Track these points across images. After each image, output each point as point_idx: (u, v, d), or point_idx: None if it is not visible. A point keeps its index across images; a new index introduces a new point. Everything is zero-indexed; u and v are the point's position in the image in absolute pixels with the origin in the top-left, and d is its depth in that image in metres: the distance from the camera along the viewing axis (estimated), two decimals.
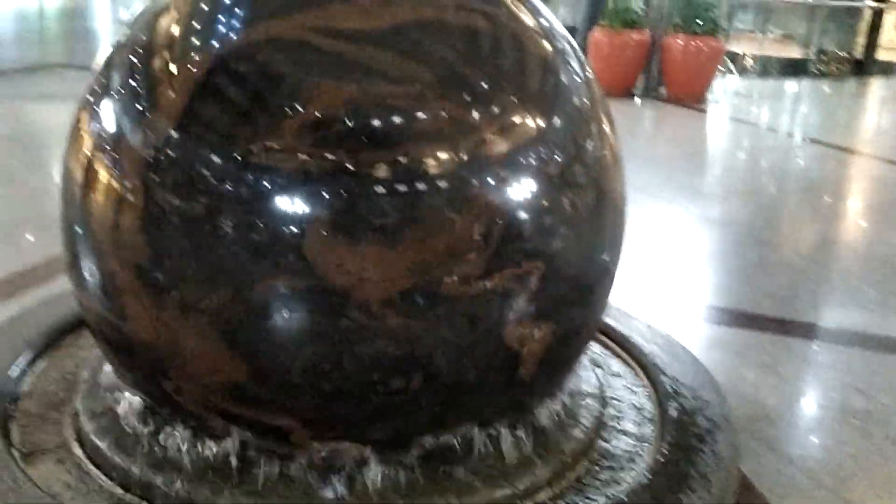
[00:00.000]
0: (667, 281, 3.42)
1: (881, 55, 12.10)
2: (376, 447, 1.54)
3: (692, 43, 7.91)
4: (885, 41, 12.26)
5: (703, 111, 7.95)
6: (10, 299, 2.84)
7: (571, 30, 11.82)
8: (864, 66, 11.67)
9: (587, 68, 1.68)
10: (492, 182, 1.43)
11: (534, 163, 1.48)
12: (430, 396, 1.50)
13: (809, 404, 2.52)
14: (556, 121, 1.55)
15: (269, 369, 1.43)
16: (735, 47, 10.93)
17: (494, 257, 1.43)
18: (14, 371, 1.97)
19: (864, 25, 11.88)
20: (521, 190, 1.46)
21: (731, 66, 10.39)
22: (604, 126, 1.65)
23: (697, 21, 7.86)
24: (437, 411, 1.53)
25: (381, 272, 1.38)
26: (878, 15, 11.89)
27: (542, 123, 1.51)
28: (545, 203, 1.49)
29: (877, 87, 11.09)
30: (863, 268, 3.81)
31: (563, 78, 1.60)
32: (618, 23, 7.99)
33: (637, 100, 8.20)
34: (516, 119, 1.49)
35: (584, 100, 1.62)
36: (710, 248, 3.98)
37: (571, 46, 1.67)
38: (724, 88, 9.41)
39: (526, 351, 1.54)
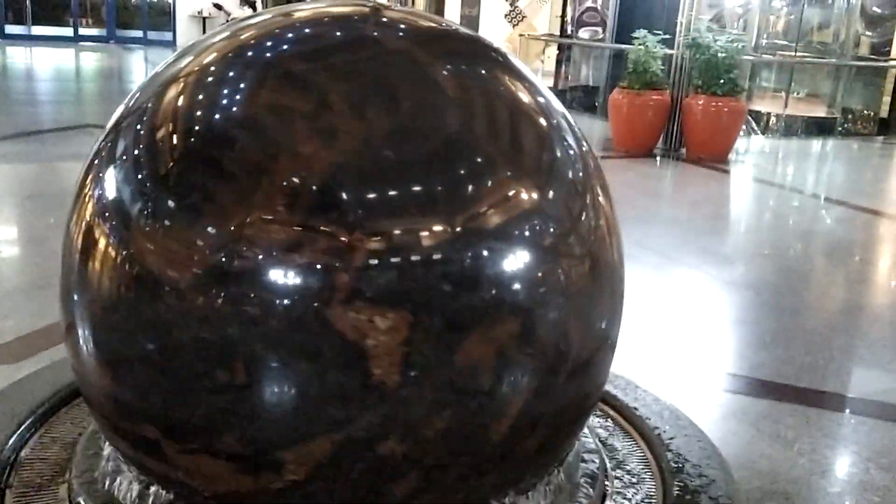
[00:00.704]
0: (685, 347, 3.37)
1: None
2: None
3: (713, 104, 7.93)
4: None
5: (726, 172, 7.93)
6: (23, 360, 2.86)
7: (593, 90, 11.99)
8: (890, 126, 11.61)
9: (583, 142, 1.69)
10: (486, 254, 1.43)
11: (528, 235, 1.49)
12: (428, 469, 1.47)
13: (827, 480, 2.44)
14: (551, 193, 1.56)
15: (261, 442, 1.41)
16: (759, 107, 10.96)
17: (489, 329, 1.43)
18: (13, 439, 1.96)
19: (889, 85, 11.84)
20: (516, 262, 1.46)
21: (755, 126, 10.39)
22: (599, 198, 1.65)
23: (718, 82, 7.89)
24: (433, 483, 1.50)
25: (376, 344, 1.36)
26: None
27: (536, 196, 1.52)
28: (540, 274, 1.49)
29: None
30: (887, 335, 3.73)
31: (559, 152, 1.62)
32: (638, 84, 8.04)
33: (658, 160, 8.20)
34: (511, 192, 1.50)
35: (579, 173, 1.63)
36: (730, 313, 3.92)
37: (567, 121, 1.69)
38: (748, 148, 9.40)
39: (524, 424, 1.52)
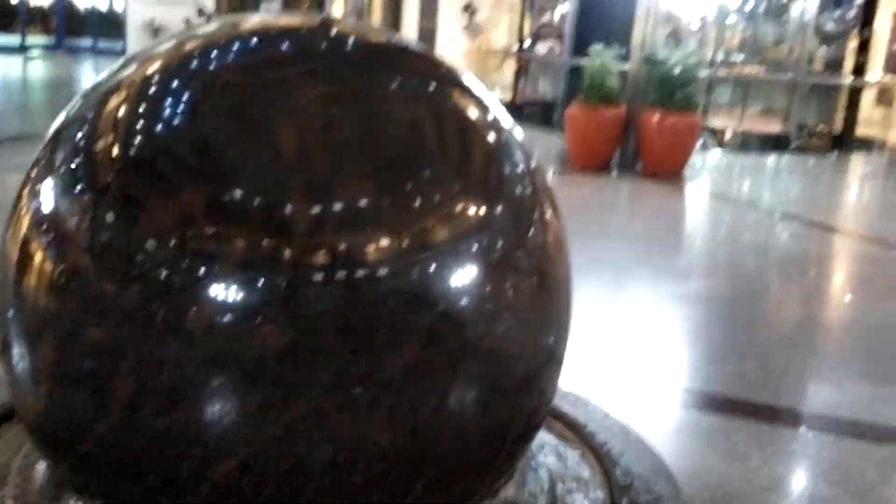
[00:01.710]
0: (638, 362, 3.38)
1: (859, 131, 12.32)
2: None
3: (668, 119, 8.02)
4: (863, 117, 12.51)
5: (682, 187, 8.03)
6: None
7: (551, 105, 12.09)
8: (843, 142, 11.88)
9: (532, 158, 1.69)
10: (433, 269, 1.43)
11: (476, 250, 1.49)
12: (371, 488, 1.45)
13: (779, 495, 2.45)
14: (499, 209, 1.56)
15: (202, 461, 1.38)
16: (715, 122, 11.13)
17: (435, 344, 1.42)
18: None
19: (842, 101, 12.13)
20: (464, 277, 1.46)
21: (711, 141, 10.56)
22: (547, 214, 1.65)
23: (674, 97, 7.99)
24: (378, 499, 1.48)
25: (321, 359, 1.35)
26: (856, 91, 12.16)
27: (484, 211, 1.52)
28: (488, 289, 1.49)
29: (856, 162, 11.26)
30: (839, 350, 3.78)
31: (507, 168, 1.62)
32: (594, 99, 8.11)
33: (614, 175, 8.28)
34: (459, 207, 1.50)
35: (528, 189, 1.63)
36: (684, 328, 3.95)
37: (516, 137, 1.69)
38: (704, 163, 9.54)
39: (471, 439, 1.51)
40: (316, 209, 1.37)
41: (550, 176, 7.97)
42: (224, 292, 1.31)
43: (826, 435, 2.86)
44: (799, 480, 2.54)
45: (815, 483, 2.50)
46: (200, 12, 18.17)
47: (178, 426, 1.37)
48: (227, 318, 1.32)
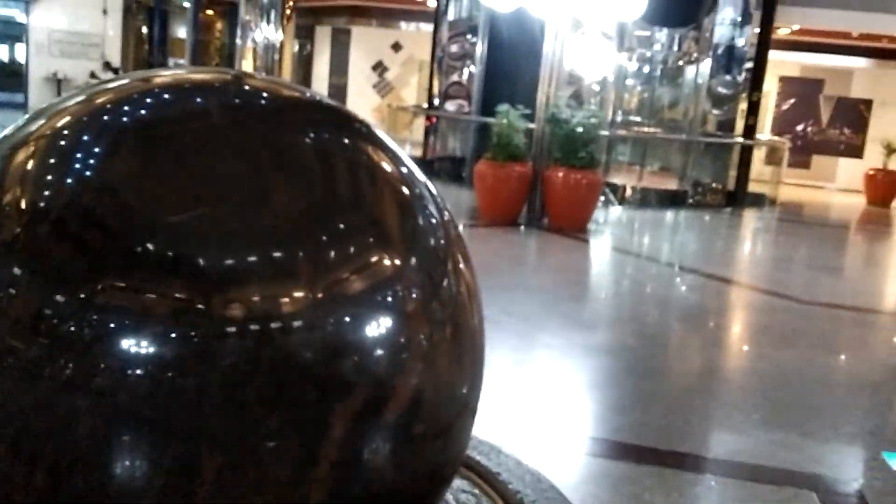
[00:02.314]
0: (549, 412, 3.43)
1: (751, 187, 12.97)
2: None
3: (572, 176, 8.29)
4: (754, 174, 13.18)
5: (586, 241, 8.26)
6: None
7: (460, 161, 12.30)
8: (736, 198, 12.46)
9: (445, 211, 1.73)
10: (347, 321, 1.43)
11: (390, 301, 1.50)
12: None
13: None
14: (413, 260, 1.58)
15: None
16: (616, 179, 11.54)
17: (349, 396, 1.43)
18: None
19: (735, 160, 12.76)
20: (378, 328, 1.47)
21: (612, 198, 10.92)
22: (460, 265, 1.68)
23: (577, 155, 8.27)
24: None
25: (232, 413, 1.32)
26: (747, 150, 12.82)
27: (398, 263, 1.54)
28: (402, 340, 1.50)
29: (748, 217, 11.82)
30: (738, 397, 3.93)
31: (420, 220, 1.65)
32: (502, 156, 8.32)
33: (522, 229, 8.46)
34: (373, 259, 1.51)
35: (441, 240, 1.66)
36: (591, 378, 4.04)
37: (429, 190, 1.73)
38: (606, 219, 9.85)
39: (385, 491, 1.51)
40: (229, 261, 1.36)
41: (461, 229, 8.08)
42: (134, 347, 1.28)
43: (727, 479, 2.96)
44: None
45: None
46: (107, 65, 17.85)
47: (89, 485, 1.33)
48: (138, 372, 1.28)
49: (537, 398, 3.60)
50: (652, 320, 5.45)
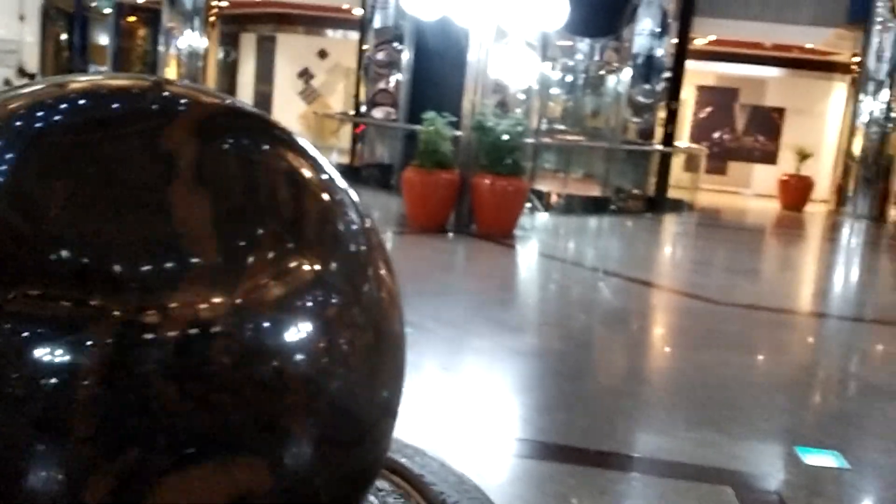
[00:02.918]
0: (475, 414, 3.47)
1: (670, 193, 13.33)
2: None
3: (498, 183, 8.39)
4: (673, 181, 13.55)
5: (513, 246, 8.37)
6: None
7: (388, 168, 12.31)
8: (656, 204, 12.79)
9: (366, 218, 1.75)
10: (268, 326, 1.44)
11: (310, 306, 1.51)
12: None
13: None
14: (334, 266, 1.59)
15: None
16: (541, 186, 11.71)
17: (271, 401, 1.43)
18: None
19: (654, 167, 13.10)
20: (298, 333, 1.48)
21: (538, 204, 11.08)
22: (381, 271, 1.71)
23: (502, 162, 8.37)
24: None
25: (152, 421, 1.32)
26: (666, 157, 13.18)
27: (319, 268, 1.55)
28: (323, 345, 1.52)
29: (668, 222, 12.14)
30: (659, 397, 4.04)
31: (341, 226, 1.67)
32: (429, 163, 8.37)
33: (450, 236, 8.52)
34: (293, 264, 1.52)
35: (362, 246, 1.68)
36: (517, 381, 4.10)
37: (351, 198, 1.74)
38: (533, 225, 9.99)
39: (307, 494, 1.52)
40: (146, 268, 1.36)
41: (390, 236, 8.10)
42: (48, 355, 1.27)
43: (648, 476, 3.04)
44: None
45: None
46: (21, 72, 17.25)
47: (2, 493, 1.30)
48: (52, 381, 1.27)
49: (464, 401, 3.63)
50: (577, 323, 5.56)
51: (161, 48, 13.31)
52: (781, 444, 3.44)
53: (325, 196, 1.67)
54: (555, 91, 12.95)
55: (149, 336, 1.31)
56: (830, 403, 4.33)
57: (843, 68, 16.15)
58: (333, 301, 1.55)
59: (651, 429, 3.51)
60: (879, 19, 14.12)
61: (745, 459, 3.23)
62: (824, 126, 17.12)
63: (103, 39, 16.81)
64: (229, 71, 18.40)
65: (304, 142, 1.78)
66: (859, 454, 3.35)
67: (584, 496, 2.74)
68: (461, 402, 3.63)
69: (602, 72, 13.15)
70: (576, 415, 3.53)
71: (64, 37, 16.05)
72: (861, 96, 14.58)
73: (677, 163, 14.06)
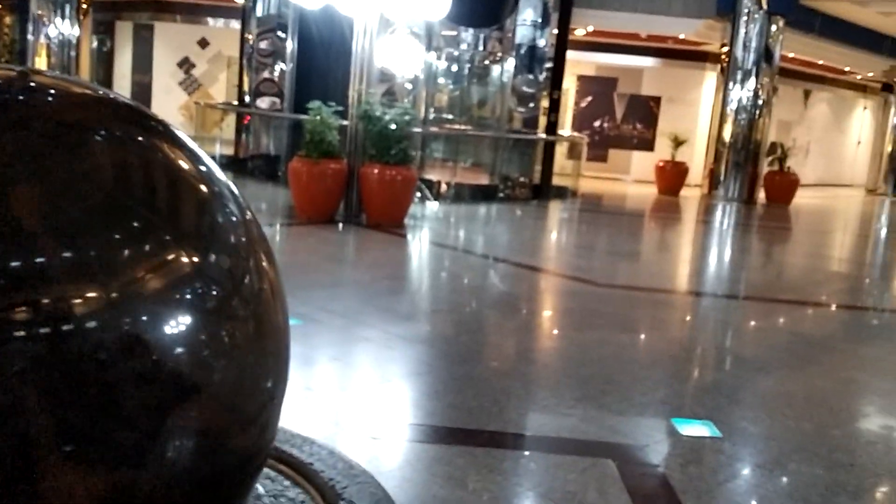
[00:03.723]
0: (366, 401, 3.50)
1: (555, 181, 13.67)
2: None
3: (387, 172, 8.41)
4: (557, 168, 13.90)
5: (403, 236, 8.41)
6: None
7: (275, 159, 12.13)
8: (542, 191, 13.10)
9: (246, 211, 1.75)
10: (145, 319, 1.44)
11: (189, 298, 1.51)
12: None
13: None
14: (213, 258, 1.60)
15: None
16: (430, 175, 11.80)
17: (151, 394, 1.42)
18: None
19: (539, 155, 13.40)
20: (177, 326, 1.48)
21: (428, 193, 11.17)
22: (262, 263, 1.72)
23: (390, 152, 8.40)
24: None
25: (26, 419, 1.31)
26: (550, 146, 13.50)
27: (197, 260, 1.55)
28: (202, 337, 1.52)
29: (553, 209, 12.46)
30: (544, 377, 4.17)
31: (220, 218, 1.67)
32: (316, 153, 8.30)
33: (339, 226, 8.49)
34: (170, 256, 1.52)
35: (242, 238, 1.69)
36: (407, 367, 4.15)
37: (230, 189, 1.74)
38: (423, 214, 10.07)
39: (191, 485, 1.52)
40: (14, 263, 1.33)
41: (278, 228, 8.00)
42: None
43: (534, 453, 3.14)
44: (512, 496, 2.77)
45: (527, 496, 2.75)
46: None
47: None
48: None
49: (355, 390, 3.65)
50: (466, 309, 5.66)
51: (30, 37, 12.65)
52: (659, 416, 3.61)
53: (203, 188, 1.66)
54: (441, 81, 13.05)
55: (19, 333, 1.30)
56: (704, 377, 4.58)
57: (713, 58, 16.94)
58: (213, 293, 1.55)
59: (536, 407, 3.63)
60: (746, 10, 14.89)
61: (624, 433, 3.39)
62: (697, 113, 17.93)
63: None
64: (105, 61, 17.67)
65: (180, 133, 1.76)
66: (731, 423, 3.57)
67: (473, 476, 2.82)
68: (352, 390, 3.65)
69: (487, 62, 13.33)
70: (465, 397, 3.61)
71: None
72: (730, 84, 15.33)
73: (561, 151, 14.43)
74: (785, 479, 3.06)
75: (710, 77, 17.52)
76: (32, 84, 1.66)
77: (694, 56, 17.77)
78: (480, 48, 13.13)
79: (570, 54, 14.24)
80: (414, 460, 2.95)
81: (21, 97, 1.59)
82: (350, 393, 3.60)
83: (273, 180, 11.38)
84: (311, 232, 8.07)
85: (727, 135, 15.44)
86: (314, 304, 4.71)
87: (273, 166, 11.94)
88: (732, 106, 15.37)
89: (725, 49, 15.43)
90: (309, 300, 4.76)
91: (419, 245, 8.35)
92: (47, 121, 1.55)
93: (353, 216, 8.62)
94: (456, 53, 12.96)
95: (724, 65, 15.51)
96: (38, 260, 1.37)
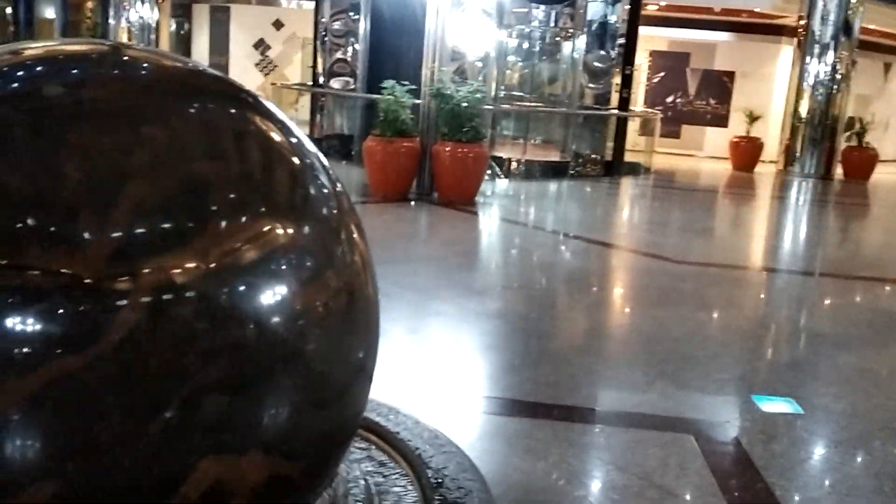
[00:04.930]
0: (444, 374, 3.54)
1: (627, 157, 13.47)
2: None
3: (458, 150, 8.42)
4: (629, 144, 13.69)
5: (475, 213, 8.43)
6: None
7: (349, 139, 12.25)
8: (614, 167, 12.93)
9: (336, 182, 1.76)
10: (242, 290, 1.45)
11: (284, 269, 1.52)
12: None
13: (573, 486, 2.67)
14: (307, 229, 1.61)
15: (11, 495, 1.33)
16: (501, 153, 11.76)
17: (247, 363, 1.45)
18: None
19: (611, 131, 13.21)
20: (273, 296, 1.49)
21: (499, 170, 11.14)
22: (353, 235, 1.73)
23: (462, 129, 8.40)
24: None
25: (125, 386, 1.33)
26: (622, 122, 13.30)
27: (292, 232, 1.56)
28: (297, 308, 1.53)
29: (625, 185, 12.29)
30: (619, 352, 4.15)
31: (312, 189, 1.68)
32: (390, 132, 8.36)
33: (412, 204, 8.55)
34: (265, 227, 1.53)
35: (334, 210, 1.70)
36: (483, 341, 4.18)
37: (320, 161, 1.76)
38: (493, 191, 10.06)
39: (284, 453, 1.55)
40: (116, 234, 1.35)
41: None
42: (20, 325, 1.27)
43: (613, 428, 3.14)
44: (592, 469, 2.78)
45: (607, 470, 2.75)
46: None
47: None
48: (25, 351, 1.27)
49: (433, 363, 3.70)
50: (539, 285, 5.65)
51: (111, 21, 13.01)
52: (738, 393, 3.57)
53: (296, 160, 1.67)
54: (512, 58, 12.95)
55: (121, 303, 1.31)
56: (784, 353, 4.49)
57: (789, 31, 16.38)
58: (307, 264, 1.56)
59: (614, 383, 3.62)
60: None
61: (704, 409, 3.35)
62: (772, 88, 17.38)
63: (50, 13, 16.35)
64: (183, 43, 18.04)
65: (271, 105, 1.78)
66: (813, 400, 3.50)
67: (552, 449, 2.83)
68: (429, 363, 3.70)
69: (558, 38, 13.18)
70: (542, 372, 3.62)
71: (9, 11, 15.57)
72: (807, 59, 14.83)
73: (633, 127, 14.19)
74: (869, 457, 3.00)
75: (786, 51, 16.95)
76: (125, 57, 1.66)
77: (769, 29, 17.21)
78: (552, 25, 12.97)
79: (643, 30, 13.95)
80: (493, 433, 2.98)
81: (116, 71, 1.60)
82: (427, 366, 3.64)
83: (347, 159, 11.51)
84: (385, 209, 8.15)
85: (803, 110, 14.95)
86: (390, 279, 4.76)
87: (347, 146, 12.06)
88: (809, 80, 14.87)
89: (803, 22, 14.91)
90: (385, 275, 4.78)
91: (490, 222, 8.35)
92: (142, 94, 1.56)
93: (426, 194, 8.68)
94: (527, 30, 12.84)
95: (801, 38, 15.00)
96: (138, 231, 1.37)
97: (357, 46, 12.30)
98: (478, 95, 8.74)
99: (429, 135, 8.63)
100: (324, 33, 12.73)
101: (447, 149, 8.45)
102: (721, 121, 17.97)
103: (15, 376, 1.28)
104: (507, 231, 8.03)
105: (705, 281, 6.00)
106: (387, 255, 5.69)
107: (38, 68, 1.58)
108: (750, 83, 17.65)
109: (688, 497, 2.62)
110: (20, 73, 1.55)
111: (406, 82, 8.50)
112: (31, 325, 1.27)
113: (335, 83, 12.57)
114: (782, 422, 3.26)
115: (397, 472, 2.06)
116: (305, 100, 13.82)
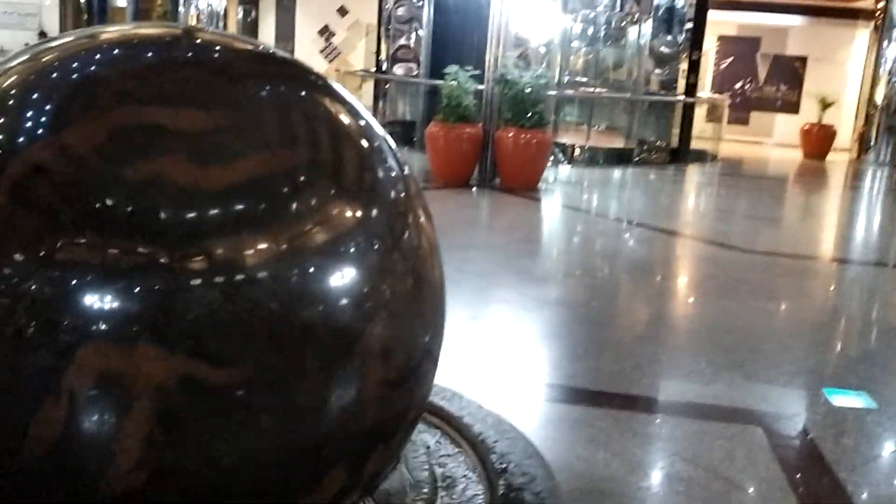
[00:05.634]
0: (506, 361, 3.53)
1: (693, 144, 13.21)
2: None
3: (522, 136, 8.37)
4: (696, 131, 13.42)
5: (537, 199, 8.37)
6: None
7: (411, 124, 12.28)
8: (680, 154, 12.69)
9: (404, 166, 1.76)
10: (311, 271, 1.45)
11: (353, 252, 1.52)
12: (264, 486, 1.47)
13: (637, 476, 2.63)
14: (374, 212, 1.61)
15: (80, 484, 1.36)
16: (564, 139, 11.65)
17: (316, 345, 1.46)
18: None
19: (677, 118, 12.97)
20: (342, 278, 1.49)
21: (562, 157, 11.04)
22: (420, 218, 1.72)
23: (526, 115, 8.34)
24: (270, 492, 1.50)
25: (200, 364, 1.35)
26: (689, 108, 13.04)
27: (359, 214, 1.57)
28: (365, 290, 1.53)
29: (692, 173, 12.06)
30: (684, 342, 4.08)
31: (381, 173, 1.68)
32: (453, 117, 8.35)
33: (474, 190, 8.53)
34: (334, 210, 1.53)
35: (402, 193, 1.70)
36: (545, 329, 4.15)
37: (388, 145, 1.75)
38: (556, 177, 9.96)
39: (351, 435, 1.55)
40: (190, 215, 1.37)
41: None
42: (97, 303, 1.29)
43: (678, 418, 3.09)
44: (656, 460, 2.74)
45: (671, 461, 2.70)
46: (42, 35, 17.23)
47: (52, 441, 1.33)
48: (102, 328, 1.30)
49: (494, 349, 3.69)
50: (602, 273, 5.58)
51: (181, 9, 13.28)
52: (808, 386, 3.47)
53: (364, 143, 1.67)
54: (576, 44, 12.79)
55: (195, 282, 1.33)
56: (856, 346, 4.34)
57: (865, 15, 15.81)
58: (375, 247, 1.56)
59: (679, 373, 3.55)
60: None
61: (773, 401, 3.27)
62: (846, 74, 16.82)
63: (122, 2, 16.75)
64: (250, 30, 18.31)
65: (340, 88, 1.78)
66: (887, 395, 3.38)
67: (615, 438, 2.80)
68: (491, 349, 3.68)
69: (623, 23, 12.96)
70: (605, 360, 3.57)
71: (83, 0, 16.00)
72: (884, 43, 14.29)
73: (700, 114, 13.91)
74: None
75: (862, 35, 16.38)
76: (198, 40, 1.67)
77: (844, 13, 16.64)
78: (617, 9, 12.76)
79: (711, 14, 13.63)
80: (556, 420, 2.96)
81: (190, 53, 1.61)
82: (490, 352, 3.63)
83: (409, 145, 11.54)
84: (447, 195, 8.14)
85: (879, 97, 14.44)
86: (452, 265, 4.75)
87: (409, 131, 12.09)
88: (886, 66, 14.34)
89: (881, 5, 14.37)
90: (447, 261, 4.78)
91: (553, 209, 8.28)
92: (215, 76, 1.57)
93: (488, 180, 8.64)
94: (592, 15, 12.66)
95: (878, 22, 14.47)
96: (211, 212, 1.39)
97: (420, 32, 12.30)
98: (542, 81, 8.66)
99: (492, 121, 8.59)
100: (387, 19, 12.76)
101: (510, 135, 8.39)
102: (792, 107, 17.48)
103: (90, 352, 1.30)
104: (570, 218, 7.96)
105: (774, 271, 5.84)
106: (448, 241, 5.65)
107: (115, 53, 1.61)
108: (823, 68, 17.12)
109: (755, 490, 2.56)
110: (97, 58, 1.58)
111: (469, 68, 8.47)
112: (107, 302, 1.29)
113: (398, 69, 12.60)
114: (854, 416, 3.16)
115: (461, 456, 2.06)
116: (369, 86, 13.88)
